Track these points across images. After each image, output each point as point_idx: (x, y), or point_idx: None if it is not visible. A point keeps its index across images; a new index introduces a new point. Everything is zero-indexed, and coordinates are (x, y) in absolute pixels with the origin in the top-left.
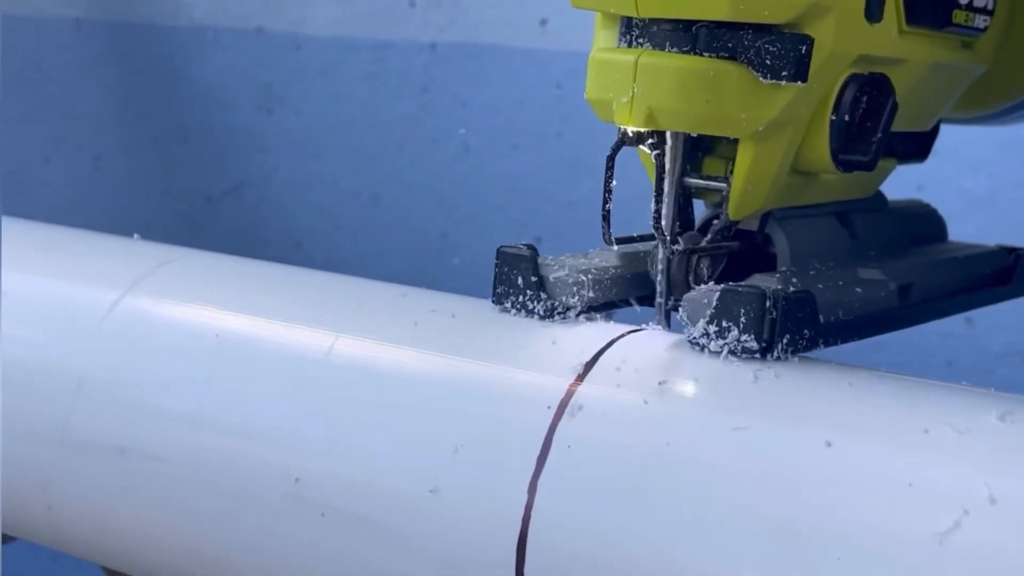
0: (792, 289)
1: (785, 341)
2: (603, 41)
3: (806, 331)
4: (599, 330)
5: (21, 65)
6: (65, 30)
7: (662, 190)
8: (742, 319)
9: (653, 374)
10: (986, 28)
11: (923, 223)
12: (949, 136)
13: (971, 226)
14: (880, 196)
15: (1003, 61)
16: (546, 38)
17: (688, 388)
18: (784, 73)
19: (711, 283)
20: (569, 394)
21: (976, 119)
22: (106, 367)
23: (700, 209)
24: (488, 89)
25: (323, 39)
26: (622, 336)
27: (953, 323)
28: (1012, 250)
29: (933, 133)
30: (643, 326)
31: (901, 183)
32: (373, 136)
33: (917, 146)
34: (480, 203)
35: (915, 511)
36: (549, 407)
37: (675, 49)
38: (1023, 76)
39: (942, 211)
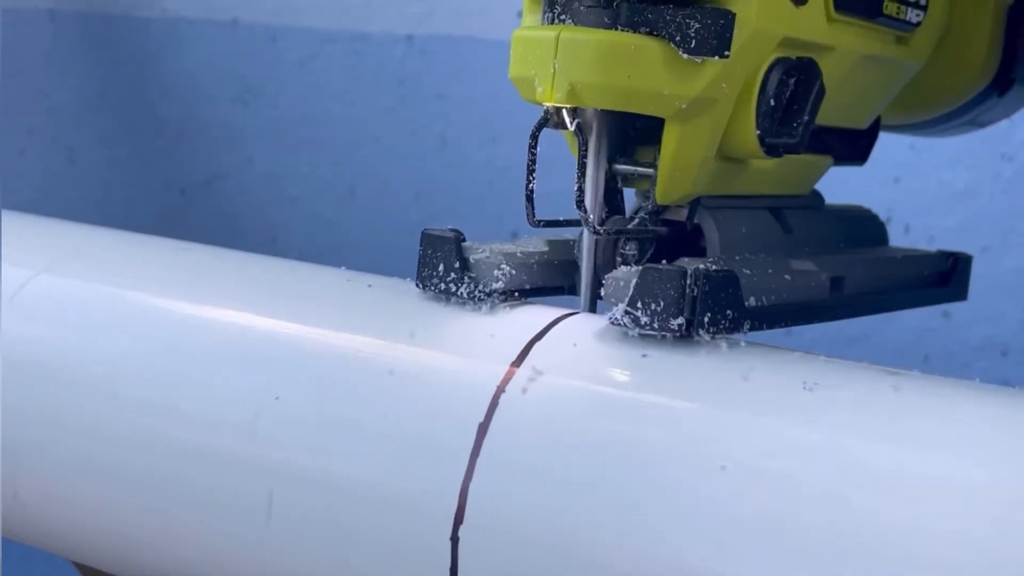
0: (715, 268)
1: (707, 320)
2: (529, 22)
3: (729, 311)
4: (530, 315)
5: None
6: (39, 21)
7: (584, 169)
8: (662, 298)
9: (581, 358)
10: (919, 23)
11: (862, 226)
12: None
13: (950, 219)
14: (817, 195)
15: (941, 65)
16: None
17: (614, 371)
18: (704, 48)
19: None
20: (504, 380)
21: (918, 126)
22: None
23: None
24: (465, 81)
25: (299, 31)
26: (552, 321)
27: (930, 317)
28: (951, 255)
29: (872, 136)
30: (574, 310)
31: (878, 177)
32: (349, 129)
33: (854, 146)
34: (457, 196)
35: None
36: (481, 395)
37: (596, 25)
38: (961, 81)
39: (920, 205)
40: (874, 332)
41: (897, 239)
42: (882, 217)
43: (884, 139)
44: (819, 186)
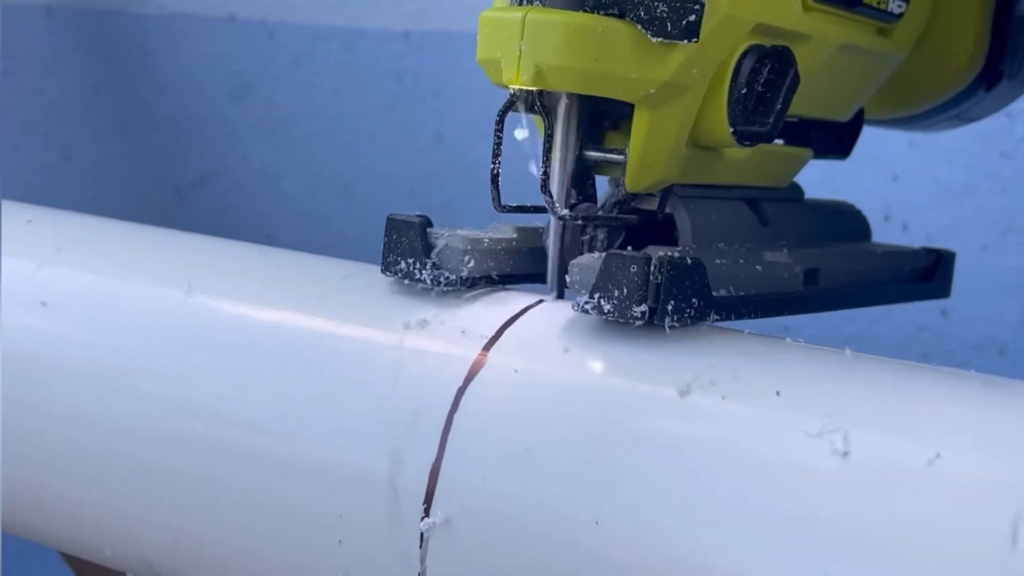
0: (679, 256)
1: (671, 308)
2: (499, 3)
3: (695, 300)
4: (494, 303)
5: None
6: (35, 17)
7: (551, 153)
8: (626, 284)
9: (548, 345)
10: (901, 15)
11: (844, 221)
12: None
13: (948, 217)
14: (796, 188)
15: (926, 59)
16: None
17: (578, 359)
18: (674, 31)
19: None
20: (473, 368)
21: (905, 120)
22: None
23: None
24: (462, 78)
25: (295, 27)
26: (519, 311)
27: (927, 315)
28: (934, 251)
29: (854, 129)
30: (541, 297)
31: (876, 175)
32: (345, 125)
33: (836, 140)
34: (453, 193)
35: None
36: (449, 383)
37: (564, 6)
38: (947, 75)
39: (917, 202)
40: (870, 331)
41: (895, 237)
42: (880, 215)
43: (882, 137)
44: (813, 183)
